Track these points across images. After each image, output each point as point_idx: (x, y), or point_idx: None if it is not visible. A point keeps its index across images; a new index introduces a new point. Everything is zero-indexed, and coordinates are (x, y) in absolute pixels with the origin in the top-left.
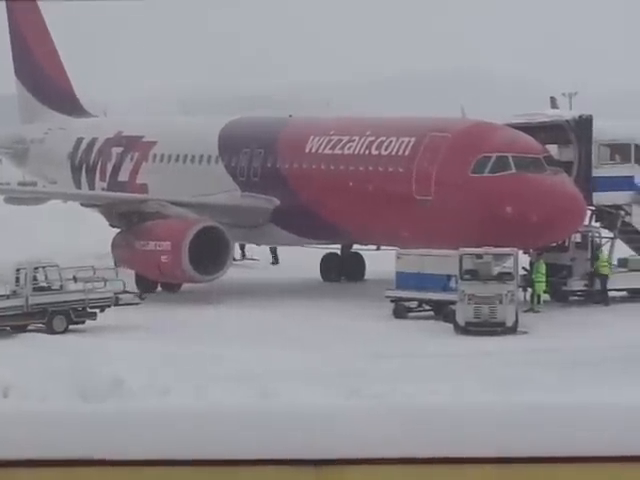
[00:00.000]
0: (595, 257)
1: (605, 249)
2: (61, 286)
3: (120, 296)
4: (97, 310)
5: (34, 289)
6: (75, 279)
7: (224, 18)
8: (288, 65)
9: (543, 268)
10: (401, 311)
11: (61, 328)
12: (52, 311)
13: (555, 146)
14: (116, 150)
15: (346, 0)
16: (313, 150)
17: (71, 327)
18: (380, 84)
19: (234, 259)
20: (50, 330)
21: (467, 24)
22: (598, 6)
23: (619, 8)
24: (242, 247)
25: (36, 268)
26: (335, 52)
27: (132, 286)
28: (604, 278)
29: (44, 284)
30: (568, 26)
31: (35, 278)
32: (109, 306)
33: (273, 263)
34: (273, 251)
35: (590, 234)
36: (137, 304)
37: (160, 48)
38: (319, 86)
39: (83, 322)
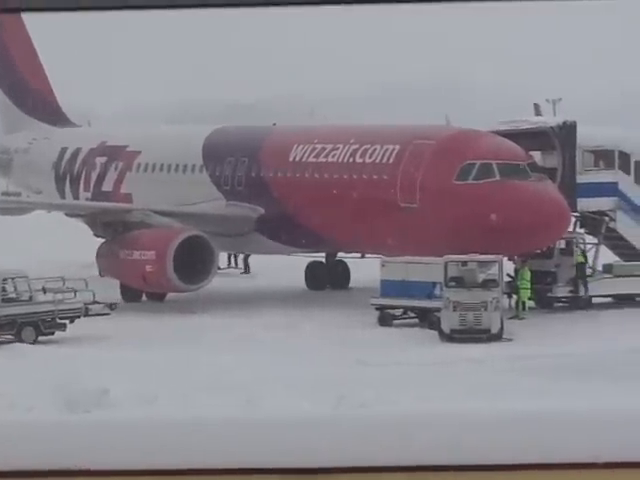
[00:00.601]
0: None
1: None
2: (30, 297)
3: (90, 307)
4: (67, 321)
5: (2, 300)
6: (44, 290)
7: (208, 29)
8: (272, 76)
9: (528, 275)
10: (386, 319)
11: (30, 339)
12: (21, 322)
13: (539, 153)
14: (100, 160)
15: (329, 14)
16: (297, 158)
17: (56, 336)
18: (362, 95)
19: (219, 268)
20: (19, 342)
21: (447, 33)
22: (579, 14)
23: (601, 16)
24: (230, 256)
25: (5, 279)
26: (318, 64)
27: (116, 295)
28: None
29: (13, 295)
30: (550, 34)
31: (4, 289)
32: (79, 317)
33: (243, 272)
34: (244, 260)
35: (575, 240)
36: (107, 314)
37: (144, 58)
38: (303, 97)
39: (52, 333)
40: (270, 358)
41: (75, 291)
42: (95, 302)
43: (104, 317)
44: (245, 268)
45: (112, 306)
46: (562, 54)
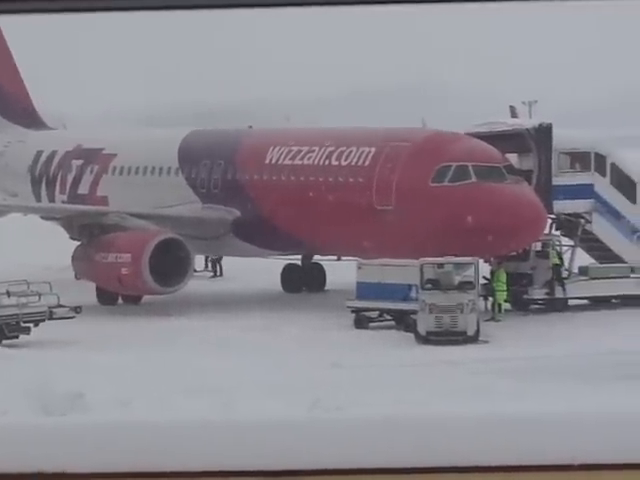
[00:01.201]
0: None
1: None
2: None
3: (54, 310)
4: (31, 325)
5: None
6: (8, 293)
7: (184, 32)
8: (246, 79)
9: (504, 277)
10: (362, 321)
11: None
12: None
13: (515, 155)
14: (76, 162)
15: (303, 16)
16: (273, 161)
17: (31, 339)
18: (337, 98)
19: (195, 270)
20: None
21: (423, 35)
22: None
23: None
24: (207, 259)
25: None
26: (293, 66)
27: (93, 298)
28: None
29: None
30: (524, 36)
31: None
32: (43, 320)
33: (213, 276)
34: (214, 263)
35: (551, 243)
36: (72, 318)
37: (120, 61)
38: (279, 101)
39: (17, 337)
40: (246, 361)
41: (40, 294)
42: (60, 306)
43: (80, 320)
44: (215, 271)
45: (77, 309)
46: (538, 55)
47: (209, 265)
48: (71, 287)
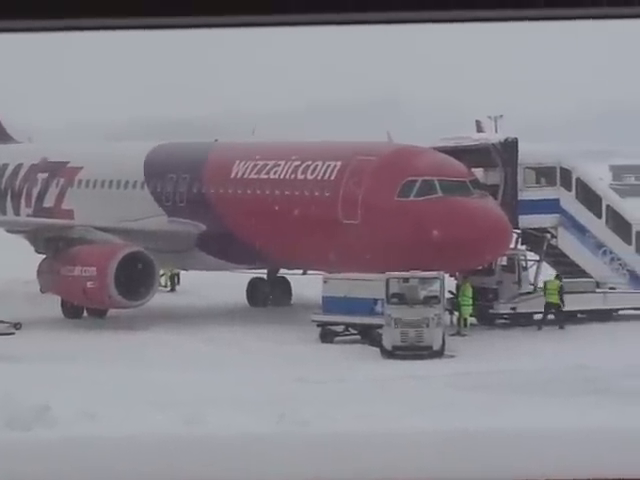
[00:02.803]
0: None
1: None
2: None
3: None
4: None
5: None
6: None
7: (151, 48)
8: (214, 94)
9: (469, 291)
10: (328, 335)
11: None
12: None
13: (481, 169)
14: (42, 176)
15: (270, 32)
16: (239, 175)
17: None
18: (303, 111)
19: (160, 284)
20: None
21: (389, 50)
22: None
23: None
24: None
25: None
26: (261, 81)
27: (58, 312)
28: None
29: None
30: (489, 51)
31: None
32: None
33: (170, 290)
34: (171, 277)
35: (516, 257)
36: (11, 334)
37: (87, 76)
38: (245, 115)
39: None
40: (212, 375)
41: None
42: (0, 321)
43: (44, 333)
44: (172, 286)
45: (17, 326)
46: (504, 71)
47: (176, 280)
48: (36, 300)
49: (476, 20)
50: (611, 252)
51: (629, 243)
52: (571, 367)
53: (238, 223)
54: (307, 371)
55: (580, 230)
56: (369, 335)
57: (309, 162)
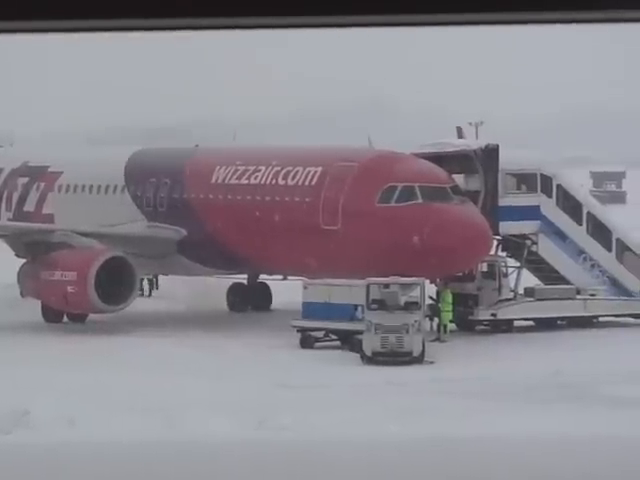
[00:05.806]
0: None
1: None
2: None
3: None
4: None
5: None
6: None
7: (129, 53)
8: (194, 99)
9: (450, 297)
10: (308, 341)
11: None
12: None
13: (462, 175)
14: (22, 180)
15: (250, 36)
16: (219, 180)
17: None
18: (283, 117)
19: (141, 290)
20: None
21: (371, 55)
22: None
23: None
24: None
25: None
26: (242, 85)
27: (38, 316)
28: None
29: None
30: (473, 58)
31: None
32: None
33: (149, 295)
34: (150, 282)
35: (496, 264)
36: None
37: (68, 80)
38: (226, 119)
39: None
40: (192, 380)
41: None
42: None
43: (25, 337)
44: (149, 291)
45: None
46: (485, 77)
47: (154, 284)
48: (17, 305)
49: (458, 24)
50: (591, 259)
51: (609, 250)
52: (551, 374)
53: (218, 228)
54: (287, 377)
55: (560, 237)
56: (349, 341)
57: (290, 167)
